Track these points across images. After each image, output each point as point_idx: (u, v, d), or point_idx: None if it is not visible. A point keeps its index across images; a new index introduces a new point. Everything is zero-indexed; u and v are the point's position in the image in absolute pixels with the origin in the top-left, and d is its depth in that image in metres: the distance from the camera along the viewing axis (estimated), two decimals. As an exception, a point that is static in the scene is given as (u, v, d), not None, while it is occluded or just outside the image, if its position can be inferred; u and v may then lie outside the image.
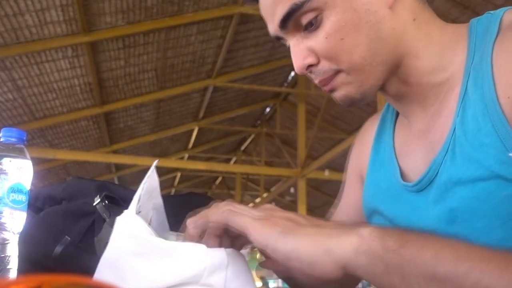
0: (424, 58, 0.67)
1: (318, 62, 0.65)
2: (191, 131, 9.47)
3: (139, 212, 0.55)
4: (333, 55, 0.64)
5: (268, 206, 0.55)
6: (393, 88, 0.69)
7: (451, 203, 0.63)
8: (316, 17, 0.62)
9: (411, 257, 0.44)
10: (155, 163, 0.60)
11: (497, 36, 0.62)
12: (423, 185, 0.69)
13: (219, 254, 0.50)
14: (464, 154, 0.62)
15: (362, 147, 0.88)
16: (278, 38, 0.69)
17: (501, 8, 0.66)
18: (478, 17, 0.68)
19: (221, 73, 7.47)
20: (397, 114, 0.81)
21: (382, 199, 0.76)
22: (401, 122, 0.79)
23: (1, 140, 0.61)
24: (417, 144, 0.72)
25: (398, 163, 0.76)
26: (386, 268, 0.45)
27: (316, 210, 11.58)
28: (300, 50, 0.65)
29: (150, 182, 0.58)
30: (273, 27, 0.67)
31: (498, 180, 0.58)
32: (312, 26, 0.63)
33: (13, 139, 0.61)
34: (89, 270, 0.62)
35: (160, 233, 0.54)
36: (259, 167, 9.91)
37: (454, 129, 0.64)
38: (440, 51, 0.67)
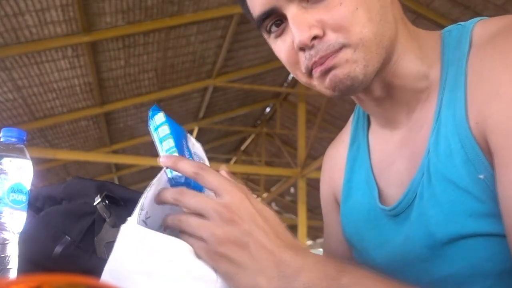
0: (409, 60, 0.66)
1: (323, 36, 0.60)
2: (191, 131, 9.45)
3: (148, 217, 0.53)
4: (346, 24, 0.59)
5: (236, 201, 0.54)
6: (378, 88, 0.67)
7: (430, 227, 0.62)
8: None
9: None
10: (163, 168, 0.57)
11: (469, 52, 0.62)
12: (402, 208, 0.67)
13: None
14: (439, 176, 0.61)
15: (333, 172, 0.85)
16: (268, 15, 0.63)
17: (472, 20, 0.66)
18: (449, 28, 0.68)
19: (221, 73, 7.46)
20: (368, 127, 0.78)
21: (364, 226, 0.74)
22: (377, 136, 0.76)
23: (1, 140, 0.61)
24: (399, 155, 0.70)
25: (377, 182, 0.73)
26: None
27: (316, 210, 11.56)
28: (305, 20, 0.60)
29: (156, 188, 0.55)
30: None
31: (475, 202, 0.58)
32: None
33: (13, 139, 0.61)
34: (89, 270, 0.62)
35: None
36: (259, 167, 9.90)
37: (429, 150, 0.63)
38: (420, 56, 0.66)
